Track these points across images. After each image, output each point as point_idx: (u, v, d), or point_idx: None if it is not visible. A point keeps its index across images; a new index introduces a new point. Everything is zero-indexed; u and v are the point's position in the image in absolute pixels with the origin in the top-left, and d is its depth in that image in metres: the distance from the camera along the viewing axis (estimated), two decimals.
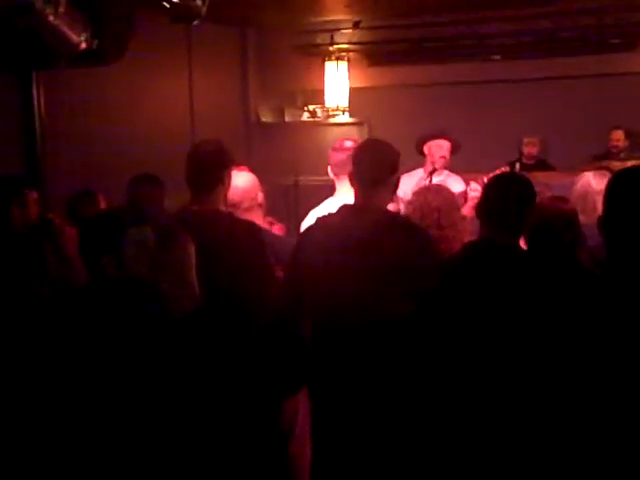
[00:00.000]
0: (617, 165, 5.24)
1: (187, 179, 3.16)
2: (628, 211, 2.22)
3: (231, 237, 3.01)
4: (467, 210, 4.06)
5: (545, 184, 4.01)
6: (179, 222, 3.08)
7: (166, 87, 6.14)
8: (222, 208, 3.22)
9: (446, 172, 5.20)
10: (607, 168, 4.44)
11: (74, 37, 3.90)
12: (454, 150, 5.15)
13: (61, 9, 3.66)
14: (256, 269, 3.04)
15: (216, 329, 2.69)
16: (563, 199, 3.24)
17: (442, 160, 5.03)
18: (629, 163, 5.17)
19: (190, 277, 2.71)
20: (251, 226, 3.16)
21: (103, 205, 4.14)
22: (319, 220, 2.89)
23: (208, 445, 2.54)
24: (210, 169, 3.13)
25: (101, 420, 2.30)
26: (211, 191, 3.14)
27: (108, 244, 2.52)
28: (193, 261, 2.74)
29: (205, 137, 3.37)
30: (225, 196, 3.25)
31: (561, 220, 3.05)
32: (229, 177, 3.23)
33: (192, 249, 2.74)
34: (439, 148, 5.07)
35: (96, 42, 4.04)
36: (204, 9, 4.35)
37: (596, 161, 6.17)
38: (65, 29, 3.81)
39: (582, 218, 3.18)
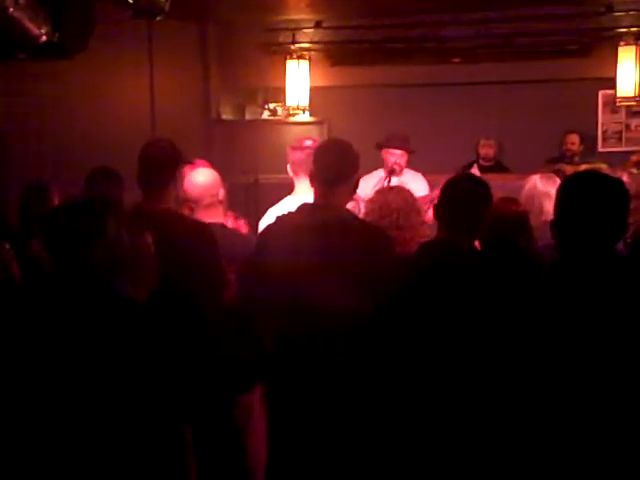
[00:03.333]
0: (570, 169, 5.36)
1: (138, 178, 3.16)
2: (579, 214, 2.28)
3: (181, 237, 3.01)
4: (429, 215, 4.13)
5: (500, 186, 4.09)
6: (134, 221, 3.08)
7: (127, 82, 6.10)
8: (173, 206, 3.23)
9: (407, 171, 5.32)
10: (560, 171, 4.55)
11: (35, 29, 3.86)
12: (409, 152, 5.29)
13: (22, 1, 3.63)
14: (206, 269, 3.05)
15: (167, 325, 2.69)
16: (514, 200, 3.31)
17: (396, 166, 5.17)
18: (582, 167, 5.30)
19: (152, 267, 2.71)
20: (202, 226, 3.16)
21: (56, 199, 4.10)
22: (279, 219, 2.90)
23: (161, 440, 2.54)
24: (161, 167, 3.13)
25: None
26: (162, 189, 3.14)
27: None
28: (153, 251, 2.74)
29: (165, 133, 3.38)
30: (177, 194, 3.26)
31: (513, 221, 3.12)
32: (180, 175, 3.24)
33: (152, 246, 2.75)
34: (392, 155, 5.25)
35: (57, 35, 4.00)
36: (167, 4, 4.34)
37: (550, 164, 6.29)
38: (25, 21, 3.78)
39: (530, 219, 3.27)
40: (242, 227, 3.85)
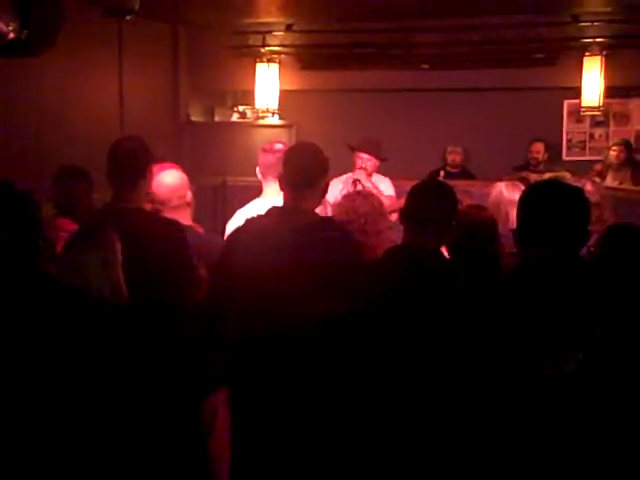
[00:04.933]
0: (535, 177, 5.43)
1: (108, 176, 3.15)
2: (539, 222, 2.32)
3: (153, 236, 3.01)
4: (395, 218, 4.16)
5: (466, 192, 4.13)
6: (104, 219, 3.07)
7: (95, 82, 6.05)
8: (143, 205, 3.22)
9: (375, 175, 5.38)
10: (525, 179, 4.60)
11: (2, 27, 3.82)
12: (379, 159, 5.35)
13: None
14: (178, 268, 3.05)
15: (138, 327, 2.68)
16: (482, 207, 3.33)
17: (361, 171, 5.22)
18: (547, 175, 5.37)
19: (116, 276, 2.71)
20: (173, 224, 3.16)
21: None
22: (248, 222, 2.89)
23: (126, 443, 2.53)
24: (131, 165, 3.13)
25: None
26: (133, 188, 3.14)
27: None
28: (120, 259, 2.74)
29: (134, 134, 3.37)
30: (147, 192, 3.25)
31: (482, 228, 3.14)
32: (150, 173, 3.23)
33: (119, 247, 2.74)
34: (359, 159, 5.31)
35: (25, 33, 3.96)
36: (137, 4, 4.32)
37: (516, 172, 6.37)
38: None
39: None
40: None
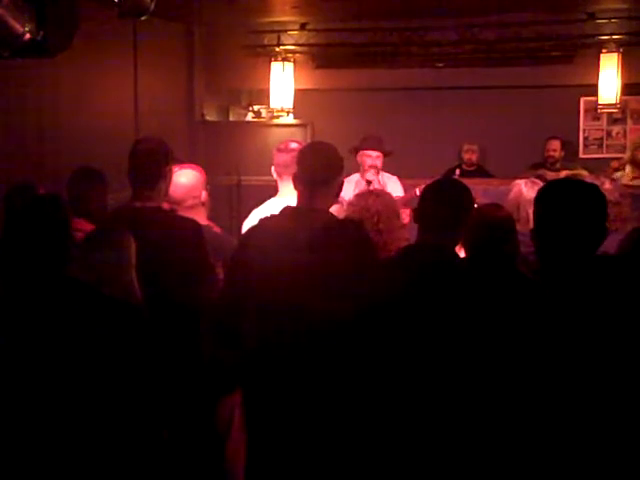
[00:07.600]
0: (552, 175, 5.40)
1: (128, 176, 3.17)
2: (556, 221, 2.30)
3: (172, 235, 3.02)
4: (406, 218, 4.14)
5: (482, 190, 4.10)
6: (120, 220, 3.08)
7: (111, 82, 6.07)
8: (163, 204, 3.23)
9: (383, 174, 5.36)
10: (542, 177, 4.56)
11: (18, 28, 3.84)
12: (385, 154, 5.33)
13: None
14: (197, 267, 3.05)
15: (154, 327, 2.68)
16: (499, 206, 3.31)
17: (372, 168, 5.20)
18: (563, 173, 5.34)
19: (129, 276, 2.71)
20: (192, 224, 3.17)
21: None
22: (262, 221, 2.88)
23: (143, 445, 2.53)
24: (151, 165, 3.14)
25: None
26: (152, 187, 3.15)
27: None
28: (133, 260, 2.74)
29: (149, 133, 3.38)
30: (166, 192, 3.26)
31: (500, 227, 3.12)
32: (170, 173, 3.24)
33: (133, 247, 2.74)
34: (368, 157, 5.28)
35: (41, 34, 3.98)
36: (152, 4, 4.32)
37: (532, 170, 6.34)
38: (9, 19, 3.76)
39: (516, 226, 3.27)
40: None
